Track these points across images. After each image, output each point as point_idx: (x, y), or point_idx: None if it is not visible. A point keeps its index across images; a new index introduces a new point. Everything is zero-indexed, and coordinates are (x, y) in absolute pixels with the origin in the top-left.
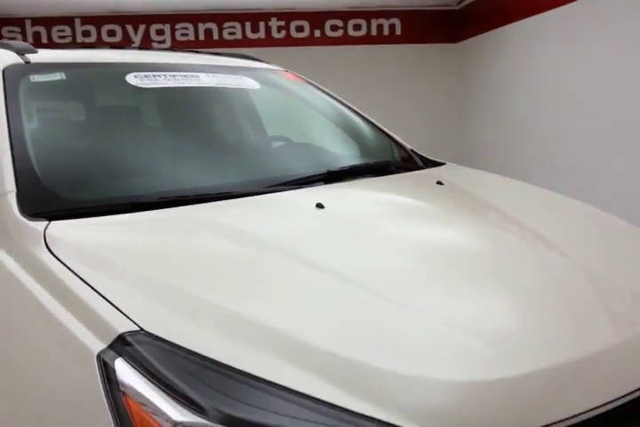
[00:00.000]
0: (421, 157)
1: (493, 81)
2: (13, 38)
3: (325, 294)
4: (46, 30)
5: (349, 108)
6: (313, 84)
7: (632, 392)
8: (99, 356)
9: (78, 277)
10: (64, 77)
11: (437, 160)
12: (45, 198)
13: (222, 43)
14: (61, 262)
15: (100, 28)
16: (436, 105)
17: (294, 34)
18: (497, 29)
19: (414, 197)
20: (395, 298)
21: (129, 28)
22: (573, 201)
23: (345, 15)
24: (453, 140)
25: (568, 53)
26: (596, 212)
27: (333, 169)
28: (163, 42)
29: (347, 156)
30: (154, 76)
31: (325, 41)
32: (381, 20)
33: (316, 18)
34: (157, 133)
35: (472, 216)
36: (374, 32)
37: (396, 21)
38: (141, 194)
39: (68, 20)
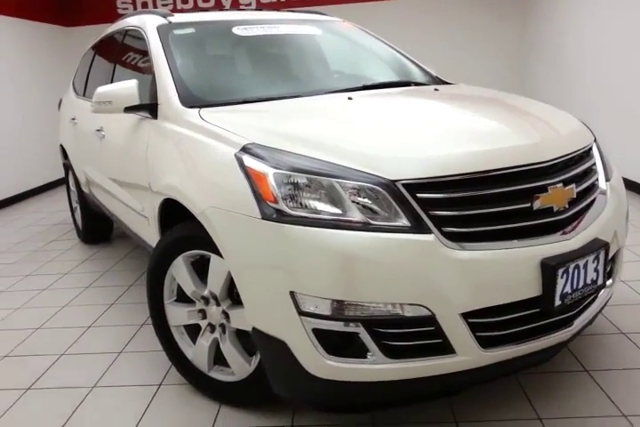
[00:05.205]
0: (440, 80)
1: (550, 27)
2: (126, 9)
3: (349, 129)
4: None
5: (391, 46)
6: (364, 30)
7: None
8: (235, 154)
9: (220, 127)
10: (194, 30)
11: (451, 82)
12: (193, 98)
13: (302, 1)
14: (211, 124)
15: None
16: (503, 48)
17: None
18: None
19: (410, 94)
20: (380, 127)
21: None
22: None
23: None
24: (517, 75)
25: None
26: (547, 106)
27: (367, 84)
28: (249, 4)
29: (382, 78)
30: (250, 27)
31: None
32: None
33: None
34: (253, 63)
35: (437, 100)
36: None
37: None
38: (248, 96)
39: None
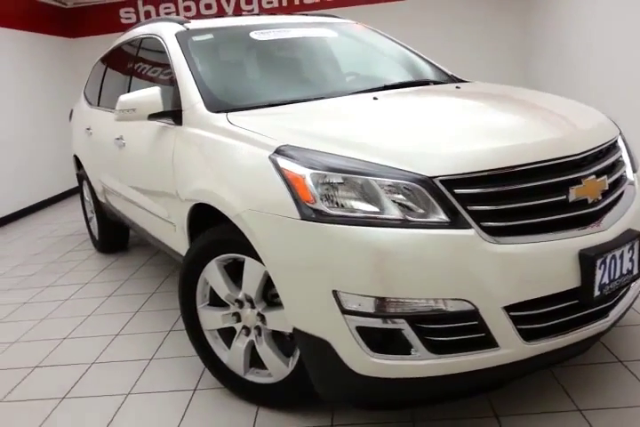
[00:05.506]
0: (456, 78)
1: (552, 22)
2: (129, 18)
3: (380, 127)
4: (155, 8)
5: (405, 47)
6: (377, 31)
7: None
8: (269, 157)
9: (250, 130)
10: (212, 36)
11: (466, 80)
12: (218, 103)
13: (303, 6)
14: (240, 127)
15: (199, 3)
16: (506, 43)
17: None
18: None
19: (434, 92)
20: (411, 125)
21: (222, 0)
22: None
23: None
24: (521, 70)
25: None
26: (565, 99)
27: (388, 84)
28: (251, 10)
29: (401, 78)
30: (267, 32)
31: None
32: None
33: None
34: (273, 67)
35: (463, 97)
36: None
37: None
38: (272, 99)
39: None
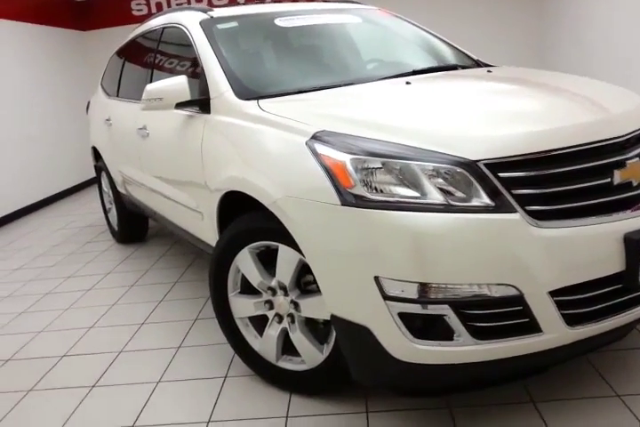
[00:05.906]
0: (482, 63)
1: (566, 9)
2: (140, 10)
3: (418, 111)
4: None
5: (430, 33)
6: (400, 17)
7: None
8: (306, 143)
9: (284, 117)
10: (237, 24)
11: (493, 64)
12: (247, 90)
13: None
14: (273, 114)
15: None
16: (524, 31)
17: None
18: None
19: (466, 76)
20: (449, 108)
21: None
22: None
23: None
24: (537, 56)
25: None
26: (596, 81)
27: (417, 69)
28: None
29: (429, 63)
30: (292, 19)
31: None
32: None
33: None
34: (300, 53)
35: (497, 81)
36: None
37: None
38: (301, 86)
39: None
